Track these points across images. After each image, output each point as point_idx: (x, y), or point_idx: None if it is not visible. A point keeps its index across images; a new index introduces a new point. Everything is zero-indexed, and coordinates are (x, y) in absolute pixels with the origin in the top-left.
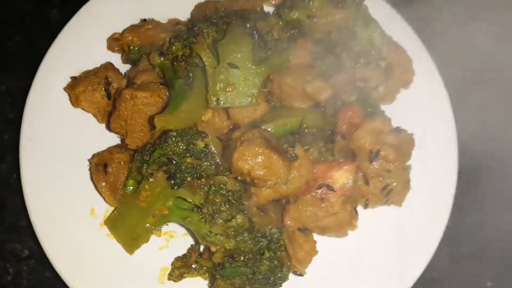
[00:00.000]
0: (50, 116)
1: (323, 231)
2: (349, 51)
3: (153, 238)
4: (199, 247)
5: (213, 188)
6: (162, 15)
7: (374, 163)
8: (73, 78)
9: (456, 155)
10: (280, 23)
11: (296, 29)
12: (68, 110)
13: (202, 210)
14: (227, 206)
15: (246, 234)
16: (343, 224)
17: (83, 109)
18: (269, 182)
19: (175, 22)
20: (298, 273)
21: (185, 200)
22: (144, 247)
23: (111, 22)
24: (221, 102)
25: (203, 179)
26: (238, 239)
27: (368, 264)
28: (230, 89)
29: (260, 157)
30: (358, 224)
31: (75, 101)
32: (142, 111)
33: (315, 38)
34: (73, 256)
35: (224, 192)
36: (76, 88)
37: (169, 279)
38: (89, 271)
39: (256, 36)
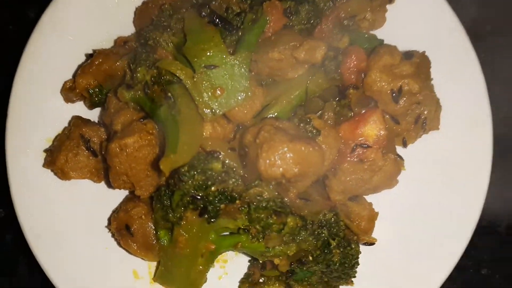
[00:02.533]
0: (46, 203)
1: (375, 190)
2: None
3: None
4: (258, 261)
5: (252, 206)
6: (105, 39)
7: (400, 101)
8: (48, 152)
9: (474, 56)
10: None
11: None
12: (59, 186)
13: (250, 232)
14: (275, 218)
15: (303, 233)
16: (392, 176)
17: (74, 179)
18: (309, 176)
19: (122, 42)
20: (368, 243)
21: (228, 228)
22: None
23: (55, 70)
24: (217, 111)
25: (237, 201)
26: (297, 241)
27: (428, 202)
28: (220, 93)
29: (288, 154)
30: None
31: (62, 176)
32: (138, 157)
33: None
34: None
35: (264, 204)
36: (57, 161)
37: None
38: None
39: (218, 21)
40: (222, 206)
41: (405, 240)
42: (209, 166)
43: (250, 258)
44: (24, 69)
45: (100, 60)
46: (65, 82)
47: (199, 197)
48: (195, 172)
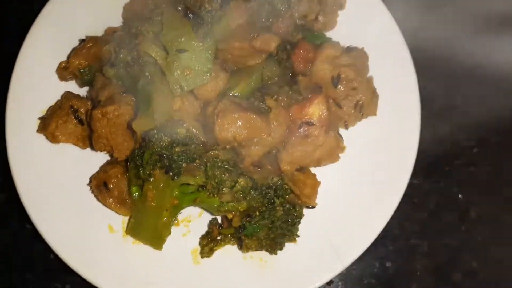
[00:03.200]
0: (37, 162)
1: (318, 163)
2: None
3: (174, 228)
4: (217, 220)
5: (209, 164)
6: (96, 29)
7: (338, 86)
8: (42, 119)
9: (408, 54)
10: None
11: None
12: (50, 148)
13: (207, 187)
14: (227, 175)
15: (253, 192)
16: (332, 150)
17: (63, 143)
18: (255, 140)
19: (111, 31)
20: (310, 206)
21: (189, 184)
22: (169, 239)
23: (53, 53)
24: (185, 87)
25: (197, 161)
26: (247, 198)
27: (363, 176)
28: (188, 72)
29: (238, 121)
30: (345, 145)
31: (52, 139)
32: (117, 123)
33: None
34: (110, 273)
35: (219, 164)
36: (48, 127)
37: (202, 257)
38: (131, 282)
39: (191, 15)
40: (184, 164)
41: (344, 203)
42: (174, 130)
43: (210, 219)
44: (26, 51)
45: (91, 44)
46: (60, 63)
47: (165, 156)
48: (163, 134)
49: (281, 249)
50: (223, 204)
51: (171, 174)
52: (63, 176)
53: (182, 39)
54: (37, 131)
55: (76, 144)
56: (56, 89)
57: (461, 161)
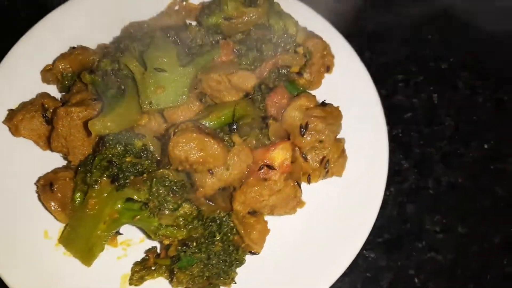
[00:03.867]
0: None
1: (272, 210)
2: (268, 43)
3: (110, 249)
4: (157, 249)
5: (155, 180)
6: (91, 43)
7: (305, 135)
8: (10, 110)
9: (385, 127)
10: (202, 30)
11: (218, 34)
12: (9, 141)
13: (149, 205)
14: (171, 195)
15: (196, 222)
16: (288, 199)
17: (24, 137)
18: (208, 165)
19: (103, 46)
20: (253, 251)
21: (133, 201)
22: (102, 259)
23: (44, 55)
24: (154, 104)
25: (144, 175)
26: (188, 227)
27: (318, 235)
28: (161, 91)
29: (194, 141)
30: (305, 200)
31: (14, 131)
32: (79, 126)
33: (236, 38)
34: (32, 280)
35: (166, 183)
36: (14, 118)
37: (130, 284)
38: None
39: (179, 43)
40: (132, 177)
41: (294, 256)
42: (131, 141)
43: (150, 247)
44: (18, 49)
45: (79, 52)
46: (47, 65)
47: (115, 163)
48: (117, 141)
49: None
50: (161, 227)
51: (116, 184)
52: (13, 170)
53: (165, 59)
54: (3, 121)
55: (36, 142)
56: (36, 89)
57: (422, 244)
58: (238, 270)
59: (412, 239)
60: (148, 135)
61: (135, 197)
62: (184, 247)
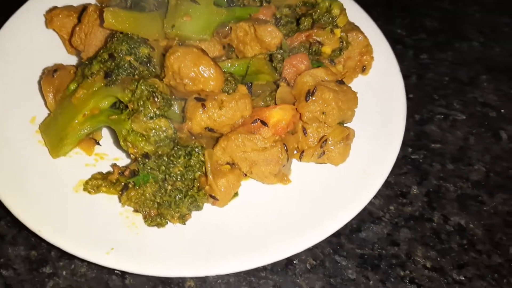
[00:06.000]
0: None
1: (251, 166)
2: (308, 16)
3: (83, 155)
4: (124, 168)
5: (141, 81)
6: None
7: (309, 100)
8: (55, 7)
9: (399, 142)
10: None
11: (266, 1)
12: (41, 31)
13: (128, 106)
14: (151, 101)
15: (167, 141)
16: (270, 160)
17: (54, 29)
18: (198, 85)
19: None
20: (213, 195)
21: (117, 108)
22: (71, 159)
23: None
24: (176, 28)
25: (136, 76)
26: (157, 145)
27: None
28: (187, 18)
29: (192, 55)
30: (290, 179)
31: (49, 22)
32: (103, 29)
33: (282, 12)
34: (1, 158)
35: (152, 89)
36: (53, 11)
37: (84, 188)
38: (15, 173)
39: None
40: (124, 76)
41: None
42: (138, 45)
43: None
44: None
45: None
46: None
47: (114, 57)
48: (126, 40)
49: (158, 224)
50: (131, 133)
51: (108, 79)
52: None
53: None
54: (44, 14)
55: (63, 40)
56: None
57: (405, 273)
58: None
59: (395, 264)
60: (157, 50)
61: (118, 95)
62: (145, 159)
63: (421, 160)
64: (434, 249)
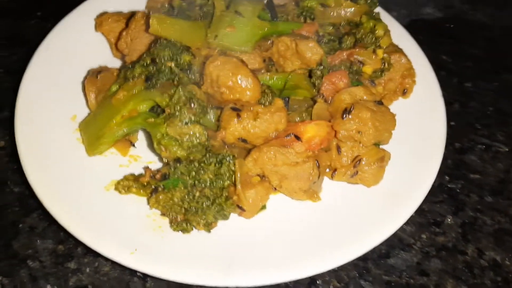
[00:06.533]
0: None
1: (281, 180)
2: (351, 35)
3: (117, 155)
4: (156, 171)
5: (180, 87)
6: None
7: (345, 118)
8: (105, 12)
9: (436, 171)
10: (296, 9)
11: (311, 18)
12: (90, 34)
13: (165, 110)
14: (188, 108)
15: (200, 148)
16: (301, 176)
17: (102, 33)
18: (235, 94)
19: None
20: (240, 206)
21: (155, 112)
22: (106, 159)
23: None
24: (218, 38)
25: (175, 82)
26: (190, 150)
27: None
28: (230, 30)
29: (231, 64)
30: (321, 197)
31: (98, 26)
32: (145, 33)
33: (325, 30)
34: (40, 152)
35: (190, 95)
36: (104, 16)
37: (115, 188)
38: (51, 168)
39: (271, 4)
40: (164, 80)
41: None
42: (180, 52)
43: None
44: None
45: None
46: None
47: (156, 62)
48: (169, 46)
49: (183, 230)
50: (165, 137)
51: (148, 83)
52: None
53: (248, 8)
54: (95, 18)
55: (110, 44)
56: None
57: None
58: None
59: None
60: (198, 58)
61: (157, 99)
62: (176, 163)
63: (458, 190)
64: (465, 284)
